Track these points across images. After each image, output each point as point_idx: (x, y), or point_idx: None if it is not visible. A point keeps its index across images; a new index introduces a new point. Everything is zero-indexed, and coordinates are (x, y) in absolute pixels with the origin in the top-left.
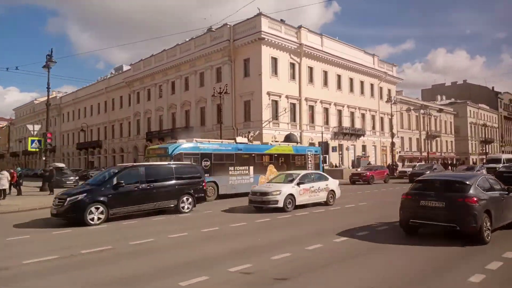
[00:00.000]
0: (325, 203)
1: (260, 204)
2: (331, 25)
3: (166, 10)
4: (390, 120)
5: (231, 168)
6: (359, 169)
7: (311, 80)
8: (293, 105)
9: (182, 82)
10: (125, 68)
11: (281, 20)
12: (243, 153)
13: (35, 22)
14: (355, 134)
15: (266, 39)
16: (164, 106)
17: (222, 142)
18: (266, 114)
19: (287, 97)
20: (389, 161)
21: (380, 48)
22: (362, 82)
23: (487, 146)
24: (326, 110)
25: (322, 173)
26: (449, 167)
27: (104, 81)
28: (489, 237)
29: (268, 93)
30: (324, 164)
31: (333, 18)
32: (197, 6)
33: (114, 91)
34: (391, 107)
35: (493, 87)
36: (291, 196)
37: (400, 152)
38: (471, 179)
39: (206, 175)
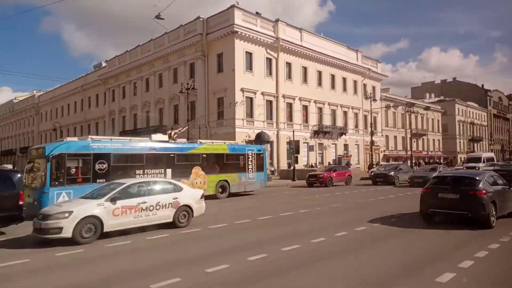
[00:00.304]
0: (173, 225)
1: (40, 233)
2: (326, 24)
3: (161, 8)
4: (372, 118)
5: (139, 171)
6: (317, 170)
7: (289, 76)
8: (270, 102)
9: (156, 78)
10: (104, 65)
11: (257, 13)
12: (157, 153)
13: (27, 21)
14: (336, 132)
15: (239, 33)
16: (138, 104)
17: (130, 140)
18: (240, 111)
19: (263, 93)
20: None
21: (374, 47)
22: (344, 79)
23: (475, 144)
24: (306, 108)
25: (171, 180)
26: (415, 167)
27: (80, 79)
28: (494, 223)
29: (242, 90)
30: (301, 164)
31: (328, 17)
32: (196, 5)
33: (90, 89)
34: (371, 104)
35: (482, 85)
36: (93, 220)
37: (384, 151)
38: (480, 175)
39: (101, 180)
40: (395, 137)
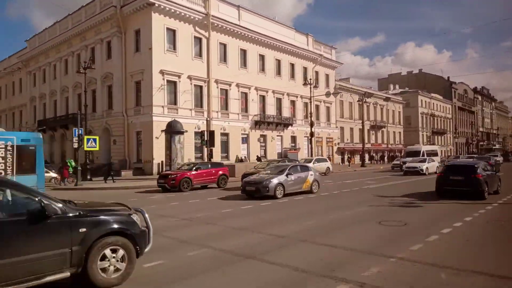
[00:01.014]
0: None
1: None
2: (304, 17)
3: None
4: (313, 107)
5: None
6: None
7: (224, 59)
8: (200, 88)
9: (74, 60)
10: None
11: None
12: None
13: None
14: (282, 123)
15: (158, 6)
16: (57, 89)
17: None
18: (159, 97)
19: (190, 77)
20: (325, 153)
21: (352, 41)
22: (292, 65)
23: (439, 137)
24: (245, 95)
25: None
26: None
27: (4, 62)
28: (487, 196)
29: (162, 72)
30: (235, 159)
31: (306, 9)
32: None
33: (13, 73)
34: (311, 91)
35: (448, 77)
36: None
37: (339, 143)
38: (477, 164)
39: None
40: (352, 129)
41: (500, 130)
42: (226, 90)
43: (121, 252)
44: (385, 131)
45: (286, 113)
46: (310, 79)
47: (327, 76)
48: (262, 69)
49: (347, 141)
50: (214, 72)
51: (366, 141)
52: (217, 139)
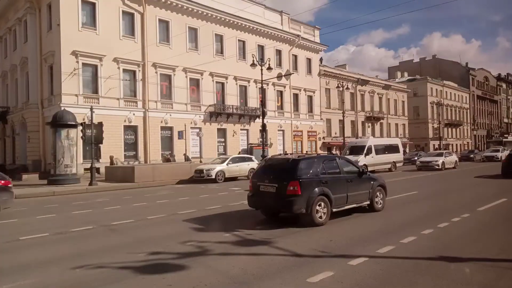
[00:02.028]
0: None
1: None
2: (326, 11)
3: None
4: (260, 93)
5: None
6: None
7: (166, 39)
8: (133, 73)
9: (2, 45)
10: None
11: None
12: None
13: None
14: (247, 115)
15: None
16: None
17: None
18: (72, 84)
19: (116, 60)
20: (305, 149)
21: (375, 33)
22: (261, 47)
23: (453, 129)
24: (197, 82)
25: None
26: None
27: None
28: None
29: (75, 53)
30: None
31: (327, 2)
32: None
33: None
34: (261, 74)
35: (467, 63)
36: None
37: (324, 138)
38: None
39: None
40: (341, 121)
41: None
42: (170, 76)
43: (383, 194)
44: (385, 123)
45: (253, 103)
46: (261, 58)
47: (308, 60)
48: (220, 51)
49: (336, 135)
50: (152, 54)
51: (360, 134)
52: (155, 134)
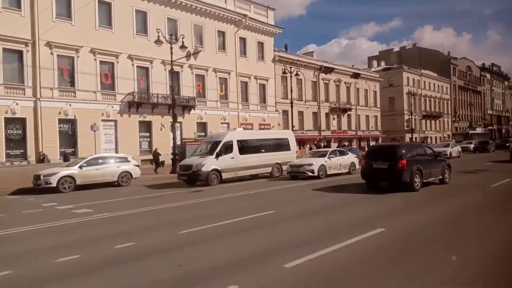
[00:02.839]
0: None
1: None
2: (317, 4)
3: None
4: (170, 78)
5: None
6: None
7: (67, 14)
8: (18, 54)
9: None
10: None
11: None
12: None
13: None
14: (180, 105)
15: None
16: None
17: None
18: None
19: None
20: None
21: (367, 26)
22: (200, 27)
23: (432, 121)
24: (111, 66)
25: None
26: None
27: None
28: None
29: None
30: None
31: None
32: None
33: None
34: (171, 55)
35: (449, 52)
36: None
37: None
38: None
39: None
40: (301, 112)
41: None
42: (72, 58)
43: (449, 171)
44: (354, 115)
45: (188, 92)
46: (172, 35)
47: (260, 44)
48: (144, 31)
49: (296, 128)
50: (46, 30)
51: (323, 127)
52: (50, 129)
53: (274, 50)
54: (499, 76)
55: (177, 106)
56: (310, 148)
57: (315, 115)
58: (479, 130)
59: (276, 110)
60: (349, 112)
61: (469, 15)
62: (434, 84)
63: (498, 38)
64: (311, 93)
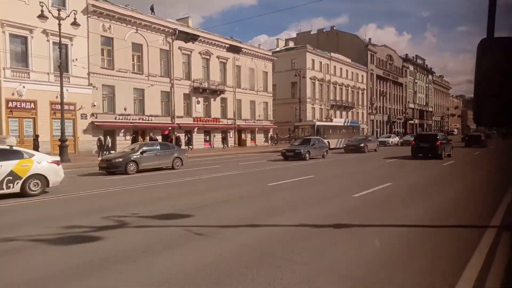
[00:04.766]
0: None
1: None
2: None
3: None
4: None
5: None
6: None
7: None
8: None
9: None
10: None
11: None
12: None
13: None
14: None
15: None
16: None
17: None
18: None
19: None
20: (46, 132)
21: (315, 20)
22: None
23: (343, 112)
24: None
25: None
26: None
27: None
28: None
29: None
30: None
31: None
32: None
33: None
34: None
35: (369, 39)
36: None
37: (96, 115)
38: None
39: None
40: (140, 90)
41: (438, 108)
42: None
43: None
44: (231, 100)
45: None
46: None
47: None
48: None
49: (127, 112)
50: None
51: (180, 113)
52: None
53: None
54: (423, 69)
55: None
56: (151, 139)
57: (167, 95)
58: (337, 121)
59: (91, 84)
60: (223, 95)
61: (409, 16)
62: (347, 70)
63: (433, 40)
64: (160, 66)
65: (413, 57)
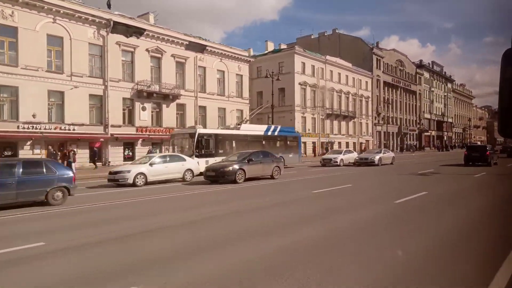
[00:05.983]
0: None
1: None
2: (290, 9)
3: None
4: None
5: None
6: None
7: None
8: None
9: None
10: None
11: None
12: None
13: None
14: None
15: None
16: None
17: None
18: None
19: None
20: None
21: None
22: None
23: (344, 123)
24: None
25: None
26: None
27: None
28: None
29: None
30: None
31: (291, 1)
32: None
33: None
34: None
35: (377, 42)
36: None
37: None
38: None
39: None
40: (59, 93)
41: (459, 118)
42: None
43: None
44: (193, 107)
45: None
46: None
47: None
48: None
49: (37, 120)
50: None
51: (117, 122)
52: None
53: None
54: (441, 76)
55: None
56: (64, 155)
57: (99, 100)
58: (251, 128)
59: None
60: (179, 101)
61: (431, 27)
62: (347, 76)
63: (458, 51)
64: (89, 64)
65: (429, 63)
